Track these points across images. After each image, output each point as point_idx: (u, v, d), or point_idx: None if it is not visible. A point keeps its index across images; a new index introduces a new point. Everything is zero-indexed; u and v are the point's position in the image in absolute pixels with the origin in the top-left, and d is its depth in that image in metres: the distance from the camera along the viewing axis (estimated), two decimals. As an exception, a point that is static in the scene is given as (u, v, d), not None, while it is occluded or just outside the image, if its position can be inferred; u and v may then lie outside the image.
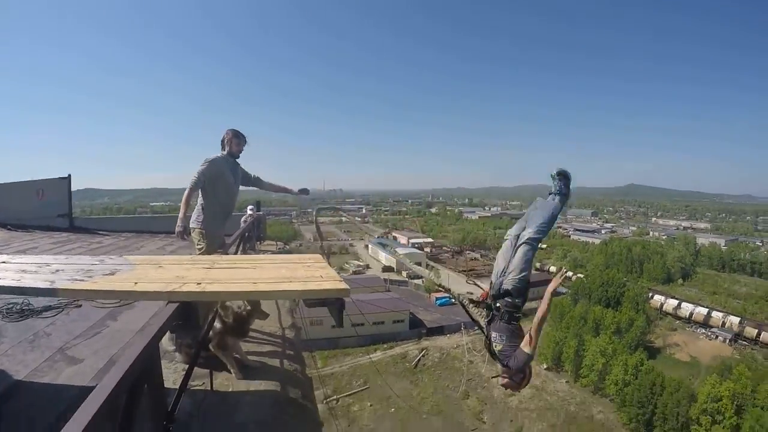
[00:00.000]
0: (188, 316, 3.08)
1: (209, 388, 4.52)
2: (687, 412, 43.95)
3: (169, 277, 3.44)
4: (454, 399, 52.04)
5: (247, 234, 13.36)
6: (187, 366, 3.83)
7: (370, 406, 50.74)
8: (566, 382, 55.19)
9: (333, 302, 3.72)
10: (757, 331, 67.80)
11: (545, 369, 57.29)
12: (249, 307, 5.24)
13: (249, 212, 16.17)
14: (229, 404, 4.40)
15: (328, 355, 58.58)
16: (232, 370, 4.98)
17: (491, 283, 4.32)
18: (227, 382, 4.78)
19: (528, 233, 4.20)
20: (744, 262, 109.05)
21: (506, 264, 4.18)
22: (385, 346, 61.58)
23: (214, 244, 6.42)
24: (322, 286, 3.63)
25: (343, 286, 3.60)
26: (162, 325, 2.66)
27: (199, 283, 3.27)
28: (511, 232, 4.40)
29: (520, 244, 4.16)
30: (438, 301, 79.46)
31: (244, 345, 5.49)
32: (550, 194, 4.52)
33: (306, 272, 4.14)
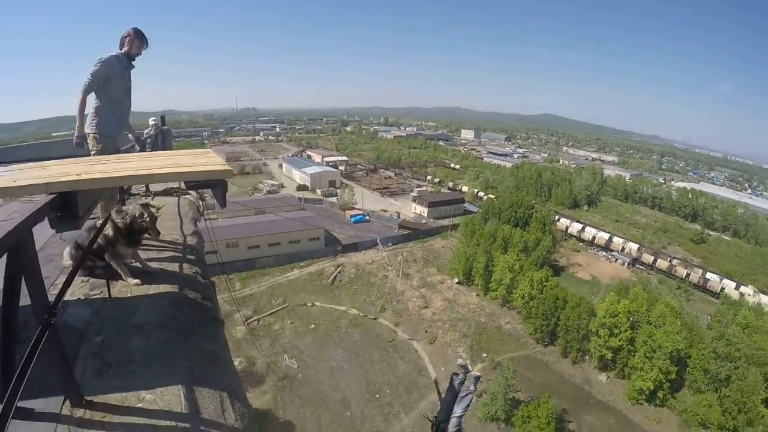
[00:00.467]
0: (68, 206, 3.05)
1: (107, 296, 4.49)
2: (587, 325, 47.84)
3: (50, 174, 3.37)
4: (371, 312, 53.64)
5: (150, 149, 12.36)
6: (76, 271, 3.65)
7: (291, 323, 51.20)
8: (476, 295, 58.34)
9: (215, 184, 3.95)
10: (653, 257, 74.57)
11: (457, 283, 60.03)
12: (143, 218, 5.05)
13: (152, 124, 14.43)
14: (127, 308, 4.37)
15: (246, 276, 58.01)
16: (125, 277, 4.87)
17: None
18: (125, 289, 4.72)
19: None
20: (646, 196, 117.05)
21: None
22: (302, 264, 61.62)
23: (109, 149, 6.23)
24: (203, 168, 3.83)
25: (225, 167, 3.81)
26: (36, 210, 2.65)
27: (80, 175, 3.28)
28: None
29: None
30: (352, 219, 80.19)
31: (144, 253, 5.43)
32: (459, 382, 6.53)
33: (191, 160, 4.33)
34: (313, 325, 50.89)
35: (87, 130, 6.06)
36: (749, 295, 64.53)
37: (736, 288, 66.29)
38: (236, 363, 43.81)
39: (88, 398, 3.08)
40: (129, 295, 4.63)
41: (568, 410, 43.40)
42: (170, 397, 3.23)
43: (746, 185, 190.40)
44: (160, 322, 4.17)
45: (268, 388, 42.75)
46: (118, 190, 7.11)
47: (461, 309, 55.18)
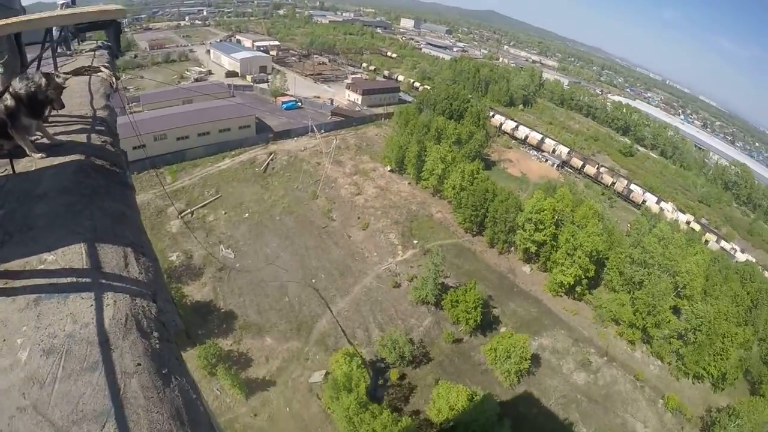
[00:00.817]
0: None
1: (12, 173, 4.22)
2: (514, 219, 50.14)
3: None
4: (304, 200, 53.98)
5: (61, 32, 10.78)
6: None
7: (225, 214, 50.75)
8: (408, 183, 59.66)
9: (107, 24, 4.20)
10: (582, 163, 77.86)
11: (389, 171, 60.99)
12: (48, 87, 4.62)
13: (60, 3, 12.29)
14: (31, 181, 4.13)
15: (176, 169, 55.92)
16: (29, 151, 4.56)
17: None
18: (30, 163, 4.42)
19: None
20: (582, 103, 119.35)
21: None
22: (233, 153, 60.05)
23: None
24: (93, 9, 3.66)
25: (117, 7, 3.71)
26: None
27: None
28: None
29: None
30: (284, 105, 77.84)
31: (51, 129, 5.04)
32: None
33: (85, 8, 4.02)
34: (247, 214, 50.65)
35: None
36: (668, 211, 69.88)
37: (657, 203, 71.36)
38: (173, 258, 44.07)
39: None
40: (34, 168, 4.37)
41: (494, 297, 46.82)
42: (72, 255, 3.18)
43: (680, 111, 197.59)
44: (63, 188, 3.97)
45: (207, 280, 43.25)
46: (19, 59, 6.33)
47: (393, 197, 56.45)
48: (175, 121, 59.11)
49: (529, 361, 39.22)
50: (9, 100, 4.46)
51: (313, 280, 44.47)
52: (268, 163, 58.66)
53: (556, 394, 40.37)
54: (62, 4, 12.57)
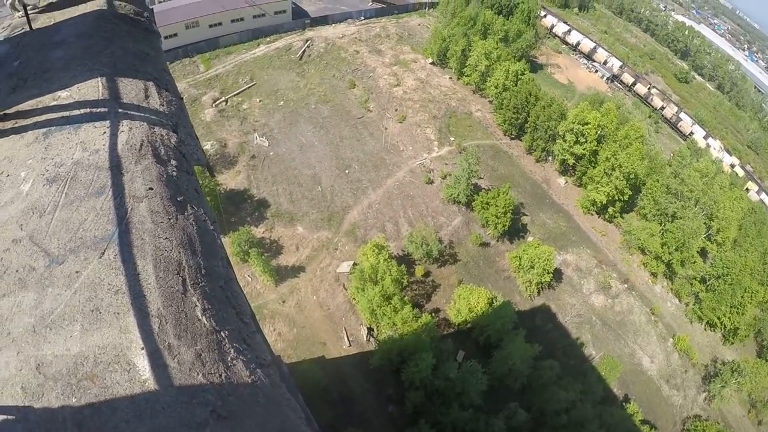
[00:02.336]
0: None
1: (29, 29, 3.97)
2: (555, 127, 47.84)
3: None
4: (341, 89, 52.64)
5: None
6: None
7: (259, 101, 49.99)
8: (449, 78, 57.29)
9: None
10: (633, 80, 72.93)
11: (431, 64, 58.45)
12: None
13: None
14: (49, 33, 3.91)
15: (209, 57, 54.84)
16: None
17: None
18: (49, 19, 4.12)
19: None
20: (642, 16, 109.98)
21: None
22: (268, 39, 58.05)
23: None
24: None
25: None
26: None
27: None
28: None
29: None
30: (321, -12, 73.46)
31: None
32: None
33: None
34: (282, 102, 49.90)
35: None
36: (714, 149, 65.70)
37: (705, 137, 67.16)
38: (207, 146, 43.99)
39: (1, 113, 2.88)
40: (52, 23, 4.14)
41: (525, 204, 46.20)
42: (87, 89, 3.06)
43: (745, 46, 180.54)
44: (82, 33, 3.83)
45: (241, 169, 43.43)
46: None
47: (433, 91, 54.48)
48: (207, 8, 56.75)
49: (551, 275, 39.36)
50: None
51: (347, 171, 44.16)
52: (304, 50, 56.67)
53: (573, 312, 40.97)
54: None
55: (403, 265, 35.58)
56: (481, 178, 45.81)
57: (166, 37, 43.10)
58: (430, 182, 44.68)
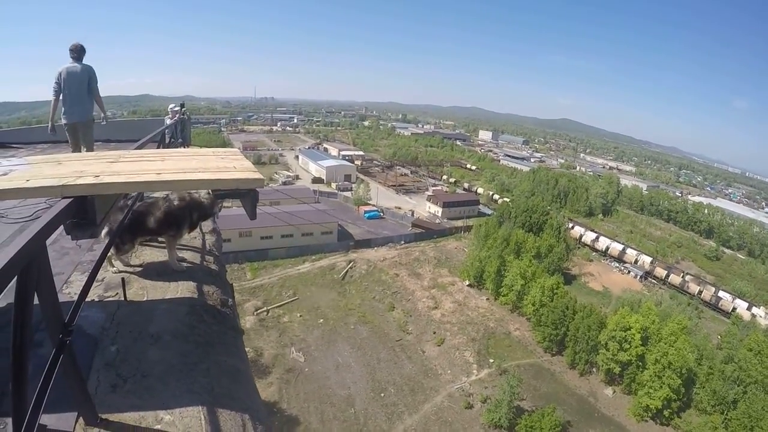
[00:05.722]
0: (84, 211, 2.84)
1: (122, 299, 4.27)
2: (596, 337, 47.06)
3: (66, 172, 3.17)
4: (380, 310, 53.65)
5: (169, 138, 12.21)
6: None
7: (300, 316, 51.30)
8: (487, 299, 57.96)
9: (246, 193, 3.79)
10: (666, 272, 73.37)
11: (468, 286, 59.73)
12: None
13: (171, 110, 14.27)
14: (143, 314, 4.15)
15: (257, 267, 58.37)
16: (171, 260, 4.94)
17: None
18: (141, 291, 4.53)
19: None
20: (662, 208, 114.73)
21: None
22: (314, 257, 61.80)
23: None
24: (233, 175, 3.61)
25: (257, 176, 3.64)
26: (51, 219, 2.37)
27: (98, 176, 3.09)
28: None
29: None
30: (366, 215, 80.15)
31: (160, 252, 5.38)
32: None
33: (218, 163, 4.09)
34: (322, 320, 50.95)
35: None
36: (761, 316, 63.34)
37: (748, 308, 65.09)
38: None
39: (103, 416, 2.89)
40: (145, 299, 4.45)
41: (573, 423, 42.97)
42: (190, 419, 3.04)
43: (763, 203, 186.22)
44: (178, 332, 3.97)
45: (273, 380, 42.90)
46: None
47: (471, 312, 54.90)
48: (261, 221, 62.00)
49: None
50: (206, 199, 4.88)
51: (382, 394, 43.11)
52: (347, 271, 59.57)
53: None
54: (173, 112, 14.17)
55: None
56: (523, 399, 43.46)
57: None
58: (470, 407, 42.69)
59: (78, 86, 8.06)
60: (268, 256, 60.40)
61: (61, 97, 8.08)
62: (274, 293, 54.43)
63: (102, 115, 9.37)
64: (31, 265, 2.14)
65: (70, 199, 2.73)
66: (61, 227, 2.71)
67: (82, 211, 2.83)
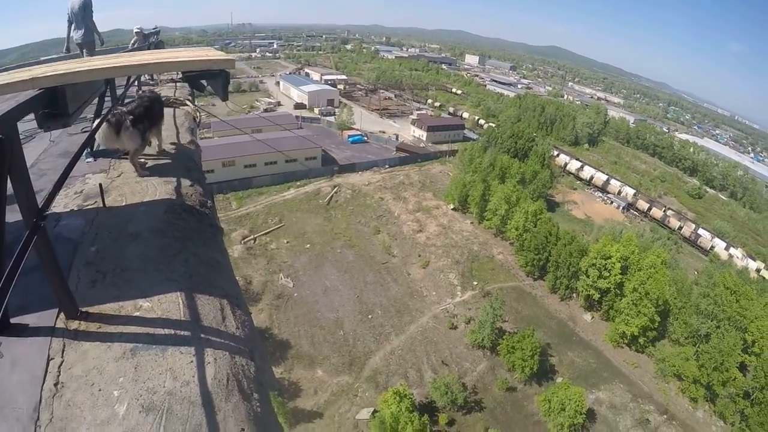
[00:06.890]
0: (56, 102, 2.97)
1: (101, 205, 4.35)
2: (577, 264, 48.15)
3: (39, 72, 3.17)
4: (366, 234, 54.10)
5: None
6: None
7: (287, 243, 51.50)
8: (471, 223, 58.69)
9: (216, 74, 3.97)
10: (648, 205, 74.57)
11: (452, 210, 60.26)
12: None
13: (135, 32, 13.49)
14: (122, 216, 4.25)
15: (242, 196, 57.98)
16: (136, 169, 5.10)
17: None
18: (120, 198, 4.61)
19: None
20: (648, 143, 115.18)
21: None
22: (298, 183, 61.60)
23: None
24: (203, 57, 3.85)
25: (227, 57, 3.83)
26: (21, 103, 2.51)
27: (69, 69, 3.20)
28: None
29: None
30: (350, 139, 79.50)
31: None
32: None
33: (191, 54, 4.29)
34: (308, 245, 51.26)
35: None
36: (737, 257, 65.22)
37: (726, 248, 66.97)
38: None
39: (83, 309, 2.97)
40: (124, 204, 4.50)
41: (552, 345, 44.71)
42: (168, 304, 3.15)
43: (749, 148, 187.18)
44: (156, 228, 4.04)
45: (264, 307, 43.65)
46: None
47: (455, 236, 55.65)
48: (243, 149, 61.22)
49: (584, 416, 36.53)
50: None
51: (370, 316, 44.21)
52: (332, 196, 59.53)
53: (610, 454, 37.88)
54: (136, 33, 13.31)
55: (425, 414, 34.22)
56: (505, 321, 45.01)
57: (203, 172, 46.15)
58: (454, 327, 44.16)
59: (81, 14, 9.79)
60: (252, 185, 59.87)
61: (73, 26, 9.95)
62: (260, 221, 54.37)
63: (98, 37, 10.68)
64: (3, 144, 2.19)
65: (42, 90, 2.83)
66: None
67: (53, 101, 2.95)
